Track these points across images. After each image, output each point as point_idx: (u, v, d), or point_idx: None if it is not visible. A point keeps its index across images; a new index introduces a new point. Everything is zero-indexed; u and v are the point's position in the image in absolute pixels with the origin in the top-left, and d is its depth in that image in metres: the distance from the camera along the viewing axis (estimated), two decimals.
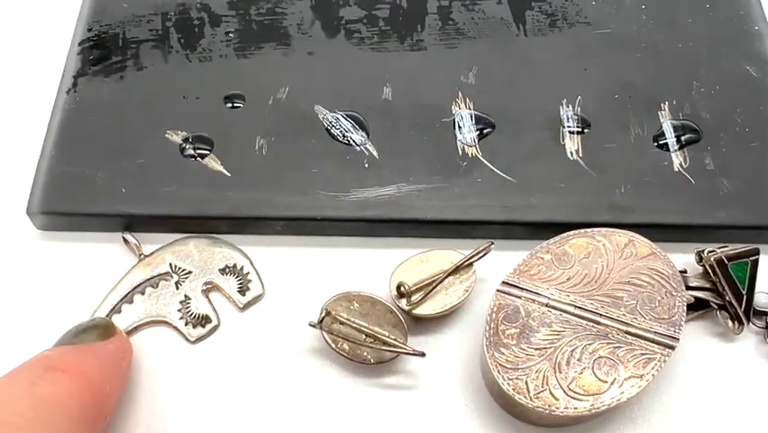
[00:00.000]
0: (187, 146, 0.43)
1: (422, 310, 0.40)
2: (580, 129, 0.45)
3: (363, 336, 0.39)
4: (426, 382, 0.40)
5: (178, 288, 0.41)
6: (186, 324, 0.40)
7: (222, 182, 0.42)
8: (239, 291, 0.41)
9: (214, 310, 0.41)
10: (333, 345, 0.39)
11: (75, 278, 0.42)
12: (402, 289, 0.40)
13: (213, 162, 0.43)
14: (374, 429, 0.39)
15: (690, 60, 0.48)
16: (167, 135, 0.44)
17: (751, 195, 0.43)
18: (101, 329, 0.38)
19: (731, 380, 0.40)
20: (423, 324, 0.41)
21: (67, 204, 0.42)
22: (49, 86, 0.46)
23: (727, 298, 0.40)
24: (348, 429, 0.39)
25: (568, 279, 0.40)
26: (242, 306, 0.41)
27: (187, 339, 0.40)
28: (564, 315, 0.38)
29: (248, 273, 0.41)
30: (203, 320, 0.41)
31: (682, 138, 0.45)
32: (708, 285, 0.41)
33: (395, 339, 0.39)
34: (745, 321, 0.40)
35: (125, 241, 0.42)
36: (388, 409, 0.39)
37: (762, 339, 0.41)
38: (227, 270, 0.41)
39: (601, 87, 0.46)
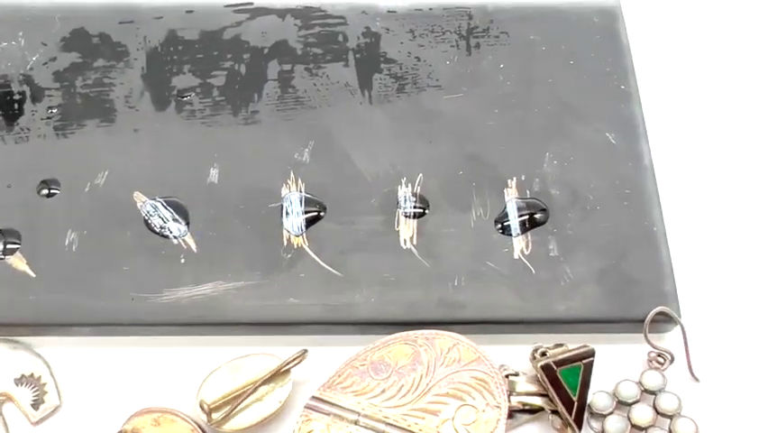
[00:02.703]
0: None
1: (231, 426, 0.37)
2: (419, 211, 0.42)
3: None
4: None
5: None
6: None
7: (26, 284, 0.40)
8: (32, 405, 0.38)
9: (6, 426, 0.38)
10: None
11: None
12: (204, 407, 0.37)
13: (18, 261, 0.40)
14: None
15: (547, 127, 0.44)
16: None
17: (594, 284, 0.40)
18: None
19: None
20: None
21: None
22: None
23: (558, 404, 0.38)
24: None
25: (383, 391, 0.37)
26: (35, 420, 0.38)
27: None
28: None
29: (45, 384, 0.39)
30: None
31: (528, 219, 0.42)
32: (538, 390, 0.38)
33: None
34: (576, 429, 0.38)
35: None
36: None
37: None
38: (23, 379, 0.39)
39: (446, 162, 0.43)
